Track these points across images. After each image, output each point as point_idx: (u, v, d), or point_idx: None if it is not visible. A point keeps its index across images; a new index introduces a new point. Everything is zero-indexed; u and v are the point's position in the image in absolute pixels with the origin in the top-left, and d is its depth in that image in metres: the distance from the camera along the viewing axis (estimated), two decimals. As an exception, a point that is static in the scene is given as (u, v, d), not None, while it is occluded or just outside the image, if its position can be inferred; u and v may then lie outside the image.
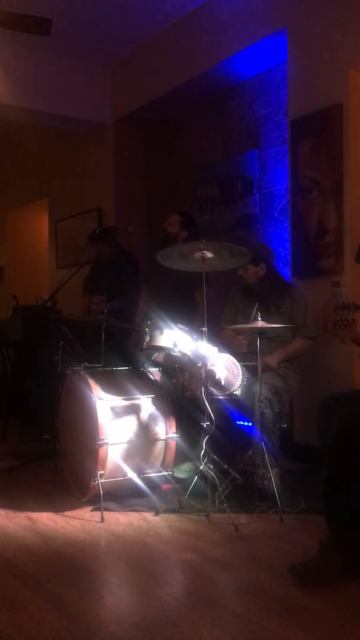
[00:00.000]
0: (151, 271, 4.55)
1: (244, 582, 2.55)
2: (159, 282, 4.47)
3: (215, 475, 3.35)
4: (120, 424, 3.54)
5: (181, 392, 3.68)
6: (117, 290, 4.76)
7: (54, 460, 4.06)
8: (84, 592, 2.47)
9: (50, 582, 2.56)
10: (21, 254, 8.73)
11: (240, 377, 3.46)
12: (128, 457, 3.54)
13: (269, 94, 5.14)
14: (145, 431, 3.63)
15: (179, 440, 3.70)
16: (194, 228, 4.71)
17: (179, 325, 3.54)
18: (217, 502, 3.30)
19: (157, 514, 3.35)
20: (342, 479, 2.58)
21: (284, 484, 3.53)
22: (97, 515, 3.33)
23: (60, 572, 2.65)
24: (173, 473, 3.73)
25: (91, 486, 3.43)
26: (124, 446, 3.53)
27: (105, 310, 4.38)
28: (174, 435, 3.68)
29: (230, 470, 3.51)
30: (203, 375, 3.41)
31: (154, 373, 3.88)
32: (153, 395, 3.71)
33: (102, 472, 3.42)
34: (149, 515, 3.35)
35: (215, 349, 3.50)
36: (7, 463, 4.46)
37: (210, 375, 3.42)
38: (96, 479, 3.40)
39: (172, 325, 3.54)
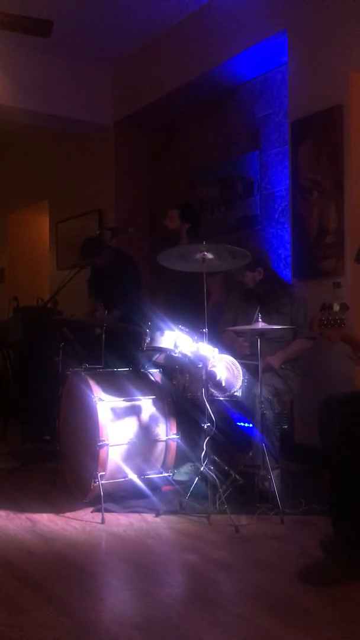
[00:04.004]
0: (161, 276, 4.40)
1: (244, 583, 2.55)
2: (175, 283, 4.38)
3: (216, 476, 3.34)
4: (121, 425, 3.54)
5: (182, 393, 3.67)
6: (117, 295, 4.75)
7: (54, 461, 4.06)
8: (85, 593, 2.47)
9: (51, 583, 2.56)
10: (22, 255, 8.73)
11: (241, 378, 3.46)
12: (129, 458, 3.54)
13: (270, 95, 5.14)
14: (146, 432, 3.62)
15: (179, 441, 3.69)
16: (195, 218, 4.69)
17: (180, 326, 3.54)
18: (217, 503, 3.30)
19: (157, 515, 3.35)
20: (344, 480, 2.58)
21: (285, 485, 3.53)
22: (97, 517, 3.33)
23: (61, 574, 2.65)
24: (173, 474, 3.72)
25: (92, 487, 3.43)
26: (125, 447, 3.53)
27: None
28: (175, 436, 3.68)
29: (231, 472, 3.51)
30: (204, 377, 3.41)
31: (155, 374, 3.88)
32: (154, 397, 3.71)
33: (103, 473, 3.42)
34: (150, 517, 3.35)
35: (216, 350, 3.50)
36: (7, 464, 4.47)
37: (211, 376, 3.42)
38: (97, 480, 3.40)
39: (182, 326, 3.50)
